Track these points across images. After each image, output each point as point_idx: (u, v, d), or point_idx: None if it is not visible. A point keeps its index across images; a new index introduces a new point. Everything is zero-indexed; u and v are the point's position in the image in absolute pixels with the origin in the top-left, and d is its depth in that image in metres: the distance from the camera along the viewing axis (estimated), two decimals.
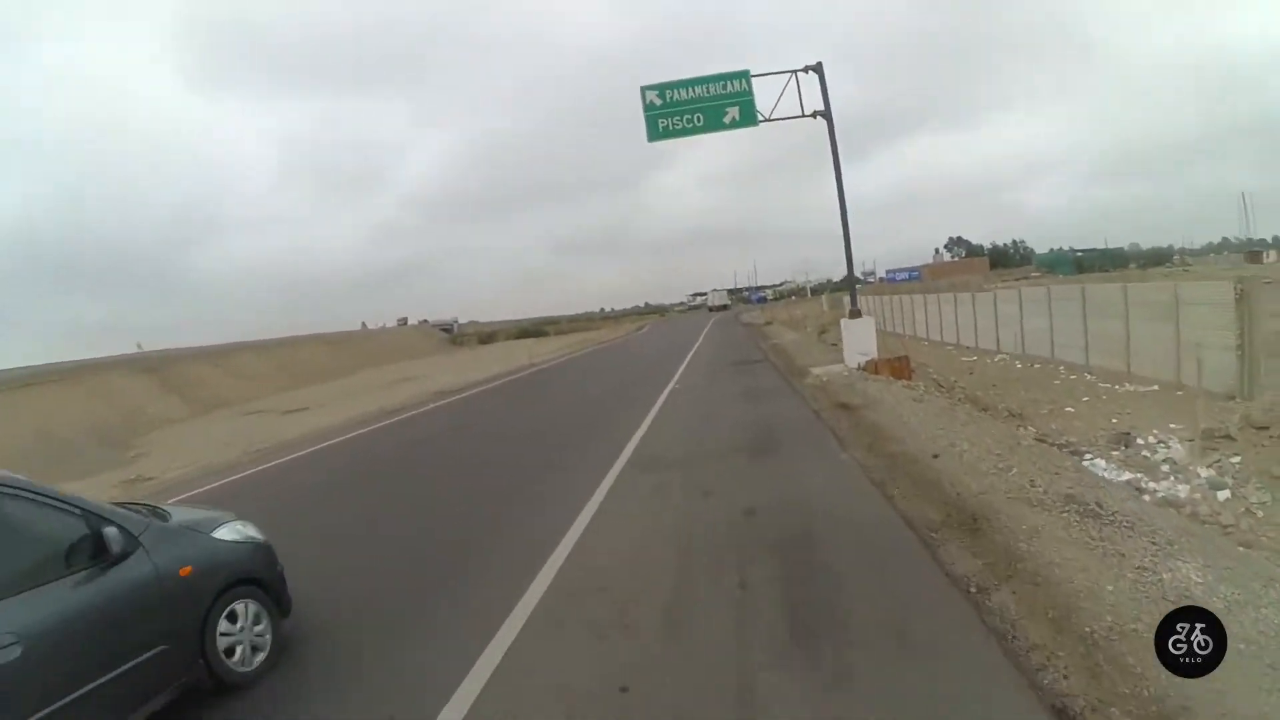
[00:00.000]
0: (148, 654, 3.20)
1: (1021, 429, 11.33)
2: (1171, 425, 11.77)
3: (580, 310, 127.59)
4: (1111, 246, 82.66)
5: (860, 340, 13.93)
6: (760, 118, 15.11)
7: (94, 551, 3.14)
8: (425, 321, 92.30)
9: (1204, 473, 8.77)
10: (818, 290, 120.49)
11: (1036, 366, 18.79)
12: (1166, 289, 15.26)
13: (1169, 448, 10.64)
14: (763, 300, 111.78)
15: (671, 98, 15.22)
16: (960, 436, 7.54)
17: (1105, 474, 8.43)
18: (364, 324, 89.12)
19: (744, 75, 15.16)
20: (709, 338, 34.21)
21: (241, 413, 25.92)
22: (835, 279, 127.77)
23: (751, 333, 35.69)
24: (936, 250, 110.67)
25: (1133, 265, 71.55)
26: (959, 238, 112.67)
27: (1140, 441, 11.05)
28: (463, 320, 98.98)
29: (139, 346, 46.68)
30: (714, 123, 15.10)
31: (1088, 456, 10.03)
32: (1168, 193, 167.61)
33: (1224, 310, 13.47)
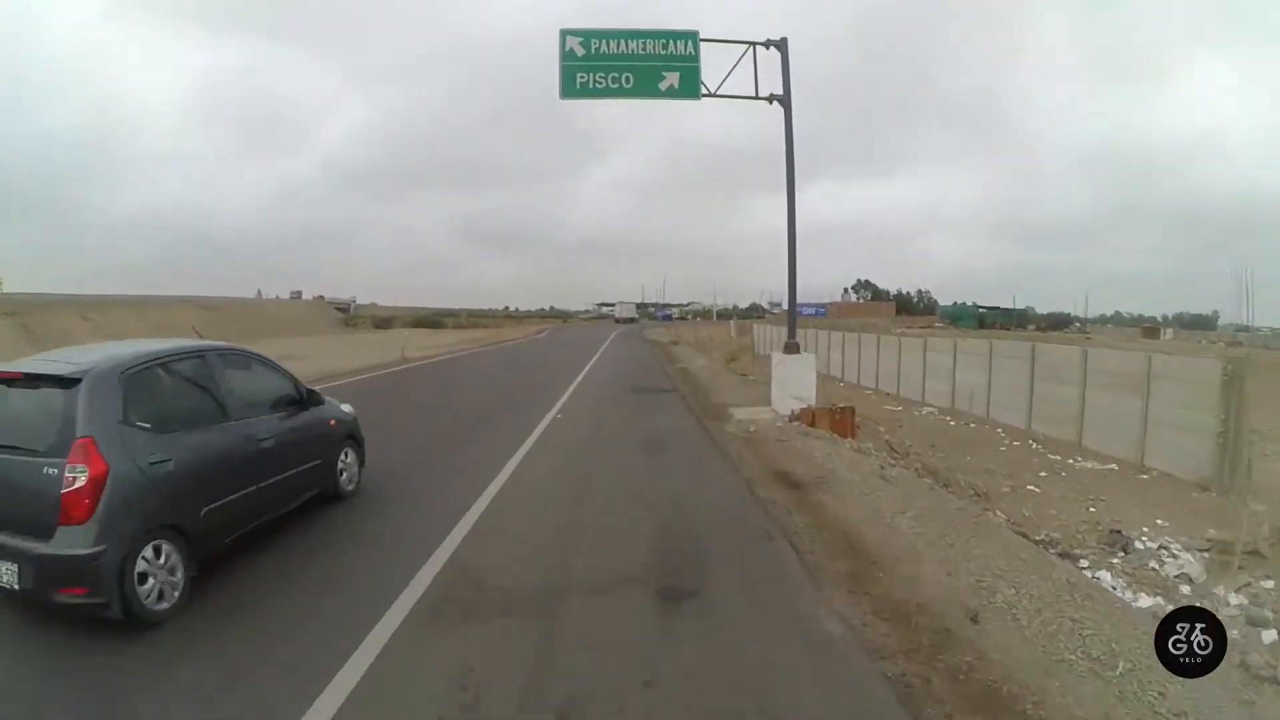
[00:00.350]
0: (313, 463, 5.54)
1: (989, 513, 8.78)
2: (1161, 521, 9.96)
3: (484, 305, 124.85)
4: (1015, 307, 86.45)
5: (796, 382, 11.07)
6: (704, 91, 12.11)
7: (295, 400, 5.56)
8: (321, 298, 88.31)
9: (1233, 599, 7.27)
10: (724, 315, 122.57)
11: (972, 426, 16.74)
12: (1137, 360, 13.42)
13: (1176, 558, 8.68)
14: (668, 318, 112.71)
15: (598, 49, 11.93)
16: (977, 555, 4.66)
17: (1118, 592, 6.95)
18: (259, 293, 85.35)
19: (691, 36, 12.09)
20: (611, 352, 31.01)
21: None
22: (741, 305, 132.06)
23: (656, 351, 32.75)
24: (845, 290, 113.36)
25: (1032, 326, 74.72)
26: (866, 280, 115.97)
27: (1138, 546, 8.86)
28: (362, 300, 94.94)
29: None
30: (646, 87, 11.93)
31: (1084, 563, 8.20)
32: (1061, 263, 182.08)
33: (1206, 390, 11.78)
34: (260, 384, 5.32)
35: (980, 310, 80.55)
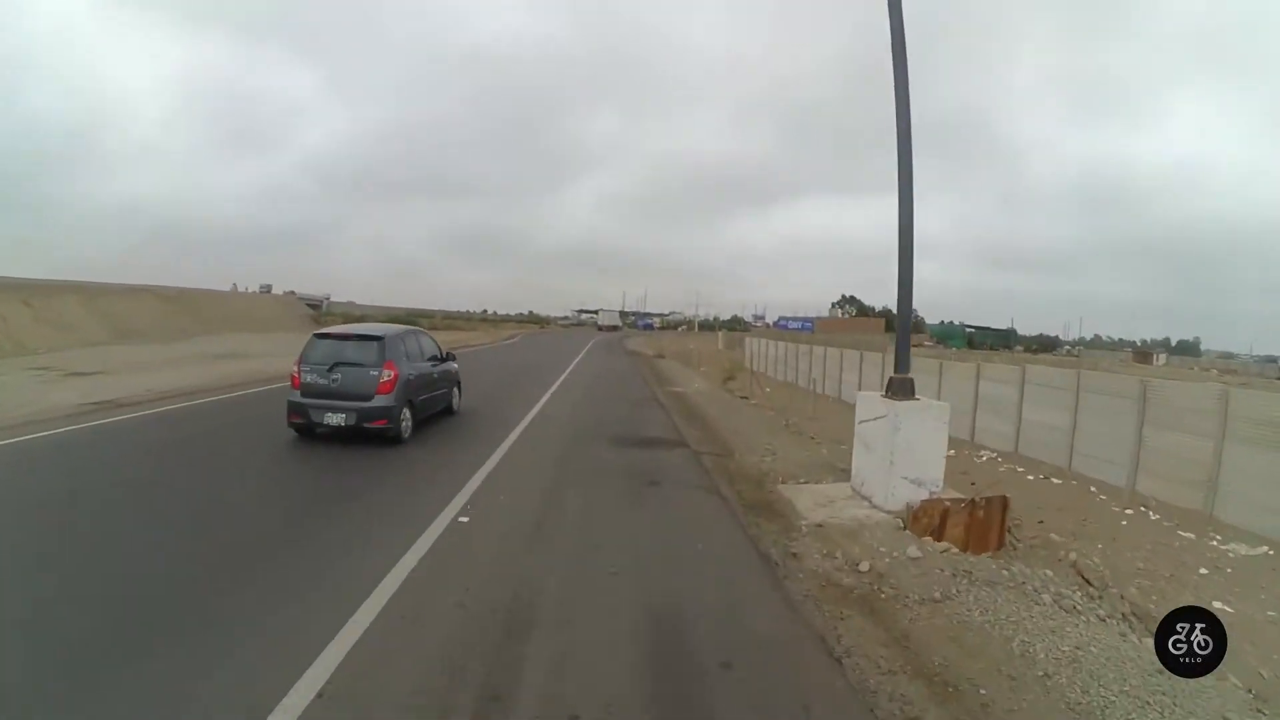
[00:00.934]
0: (445, 390, 11.75)
1: None
2: None
3: (463, 308, 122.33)
4: (1002, 328, 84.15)
5: (911, 451, 6.85)
6: None
7: (442, 358, 11.71)
8: (293, 293, 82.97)
9: None
10: (705, 326, 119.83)
11: (1055, 482, 13.10)
12: None
13: None
14: (649, 327, 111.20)
15: None
16: None
17: None
18: (235, 286, 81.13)
19: None
20: (589, 366, 27.06)
21: (27, 366, 19.86)
22: (723, 317, 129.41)
23: (641, 366, 28.96)
24: (832, 306, 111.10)
25: (1019, 348, 72.44)
26: (851, 297, 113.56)
27: None
28: (338, 299, 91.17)
29: None
30: None
31: None
32: (1041, 288, 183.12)
33: None
34: (431, 346, 11.56)
35: (969, 330, 78.13)
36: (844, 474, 8.84)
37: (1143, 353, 72.90)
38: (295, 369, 9.23)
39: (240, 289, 79.23)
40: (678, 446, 10.41)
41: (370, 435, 9.00)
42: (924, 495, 6.75)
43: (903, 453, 6.67)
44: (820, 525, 6.27)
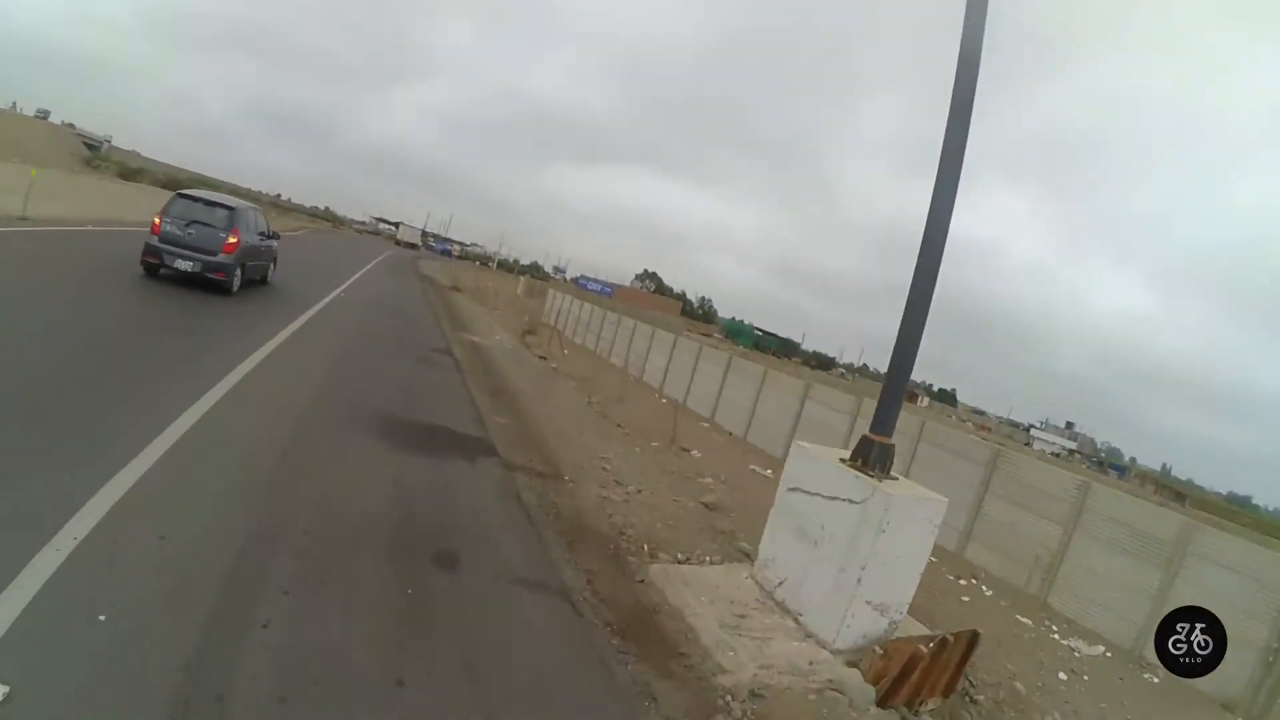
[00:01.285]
0: (266, 262, 13.72)
1: None
2: None
3: (256, 187, 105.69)
4: (786, 336, 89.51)
5: (888, 561, 4.20)
6: None
7: (269, 235, 13.65)
8: (71, 126, 72.40)
9: None
10: (504, 266, 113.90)
11: None
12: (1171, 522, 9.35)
13: None
14: (447, 253, 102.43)
15: None
16: None
17: None
18: (15, 104, 70.23)
19: None
20: (371, 285, 22.09)
21: None
22: (524, 261, 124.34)
23: (432, 297, 24.65)
24: (635, 277, 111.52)
25: (798, 360, 77.53)
26: (653, 273, 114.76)
27: None
28: (120, 144, 79.40)
29: None
30: None
31: None
32: (830, 312, 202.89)
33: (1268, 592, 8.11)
34: (263, 224, 13.20)
35: (757, 332, 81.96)
36: (722, 536, 6.19)
37: (909, 392, 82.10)
38: (156, 218, 10.84)
39: (17, 110, 67.66)
40: (482, 454, 6.62)
41: (209, 284, 10.89)
42: (884, 625, 4.29)
43: (878, 566, 4.09)
44: (757, 694, 3.43)
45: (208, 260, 10.64)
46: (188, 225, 10.63)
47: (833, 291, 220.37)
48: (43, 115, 73.74)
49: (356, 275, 23.62)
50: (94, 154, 63.20)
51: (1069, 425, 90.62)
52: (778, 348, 78.08)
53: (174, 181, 54.79)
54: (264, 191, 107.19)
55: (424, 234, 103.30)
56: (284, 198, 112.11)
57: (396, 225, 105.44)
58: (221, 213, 11.18)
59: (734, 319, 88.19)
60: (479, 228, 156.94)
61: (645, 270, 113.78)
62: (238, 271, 11.27)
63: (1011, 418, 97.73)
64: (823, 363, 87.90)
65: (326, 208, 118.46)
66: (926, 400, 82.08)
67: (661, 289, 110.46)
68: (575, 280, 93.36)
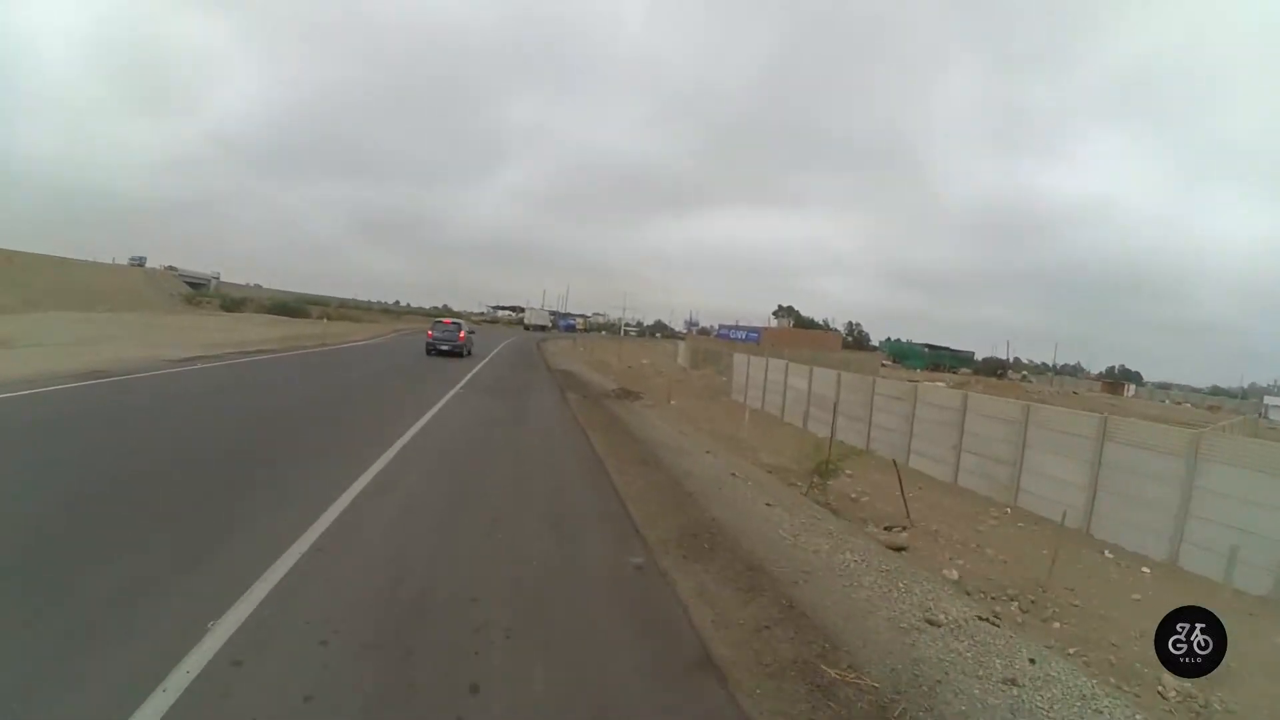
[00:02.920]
0: (468, 344, 30.06)
1: None
2: None
3: (375, 298, 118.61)
4: (958, 348, 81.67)
5: None
6: None
7: (471, 332, 32.27)
8: (173, 269, 77.89)
9: None
10: (640, 331, 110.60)
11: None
12: None
13: None
14: (571, 328, 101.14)
15: None
16: None
17: None
18: (141, 261, 76.75)
19: None
20: (462, 409, 13.20)
21: None
22: (646, 321, 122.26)
23: (591, 424, 12.84)
24: (772, 315, 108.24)
25: (967, 370, 70.26)
26: (789, 307, 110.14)
27: None
28: (231, 279, 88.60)
29: None
30: None
31: None
32: (948, 311, 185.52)
33: None
34: (468, 327, 31.17)
35: (924, 348, 75.34)
36: None
37: (1113, 383, 71.09)
38: (429, 331, 28.99)
39: (116, 261, 74.83)
40: None
41: (453, 353, 27.35)
42: None
43: None
44: None
45: (455, 344, 27.65)
46: (440, 331, 28.26)
47: (950, 286, 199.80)
48: (138, 262, 76.85)
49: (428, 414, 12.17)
50: (198, 291, 67.10)
51: None
52: (950, 362, 71.09)
53: (279, 305, 61.06)
54: (384, 300, 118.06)
55: (552, 314, 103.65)
56: (401, 302, 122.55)
57: (514, 310, 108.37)
58: (454, 325, 29.10)
59: (891, 340, 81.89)
60: (591, 295, 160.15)
61: (779, 306, 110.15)
62: (465, 348, 28.32)
63: (1220, 386, 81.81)
64: (991, 368, 78.25)
65: (445, 305, 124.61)
66: (1132, 389, 70.18)
67: (800, 322, 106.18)
68: (717, 333, 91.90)
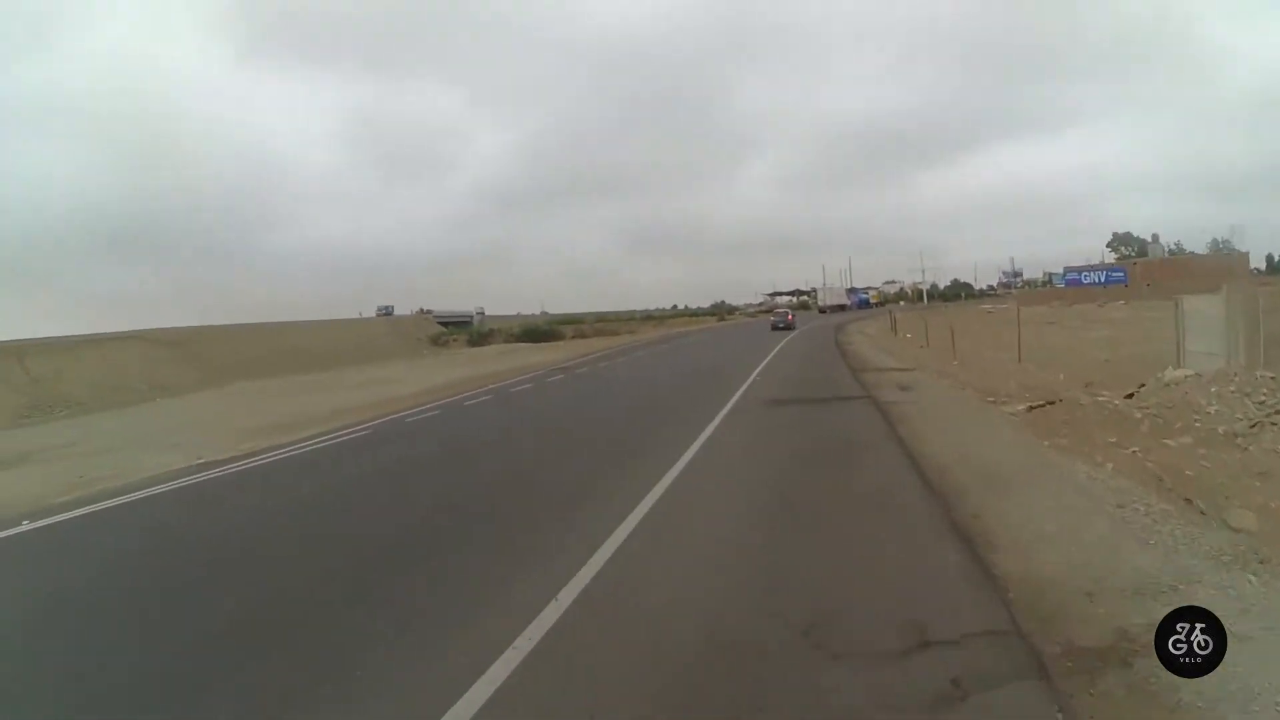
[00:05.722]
0: (792, 322, 48.50)
1: None
2: None
3: (650, 306, 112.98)
4: None
5: None
6: None
7: (793, 312, 61.67)
8: (428, 312, 76.31)
9: None
10: (944, 295, 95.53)
11: None
12: None
13: None
14: (865, 303, 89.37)
15: None
16: None
17: None
18: (389, 310, 77.44)
19: None
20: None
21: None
22: (940, 284, 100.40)
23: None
24: (1109, 244, 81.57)
25: None
26: (1127, 233, 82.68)
27: None
28: (509, 310, 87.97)
29: None
30: None
31: None
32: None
33: None
34: (790, 313, 51.38)
35: None
36: None
37: None
38: (771, 315, 56.75)
39: (360, 316, 73.41)
40: None
41: (785, 328, 41.34)
42: None
43: None
44: None
45: (787, 322, 44.92)
46: (778, 314, 50.85)
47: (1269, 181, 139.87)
48: (385, 312, 76.88)
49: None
50: (451, 330, 65.64)
51: None
52: None
53: (528, 330, 57.65)
54: (662, 306, 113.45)
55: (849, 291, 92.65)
56: (679, 306, 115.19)
57: (796, 294, 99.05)
58: (784, 309, 60.14)
59: None
60: (873, 266, 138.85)
61: (1115, 234, 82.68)
62: (794, 323, 45.06)
63: None
64: None
65: (722, 301, 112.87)
66: None
67: (1142, 251, 79.30)
68: (1066, 279, 68.16)
